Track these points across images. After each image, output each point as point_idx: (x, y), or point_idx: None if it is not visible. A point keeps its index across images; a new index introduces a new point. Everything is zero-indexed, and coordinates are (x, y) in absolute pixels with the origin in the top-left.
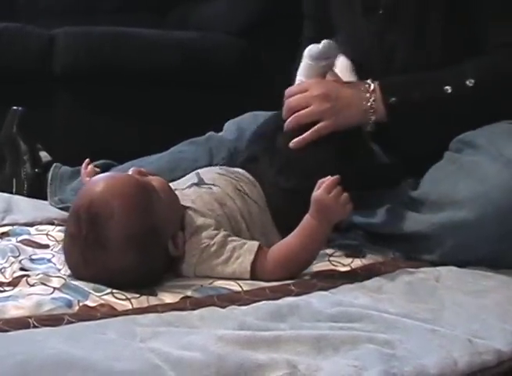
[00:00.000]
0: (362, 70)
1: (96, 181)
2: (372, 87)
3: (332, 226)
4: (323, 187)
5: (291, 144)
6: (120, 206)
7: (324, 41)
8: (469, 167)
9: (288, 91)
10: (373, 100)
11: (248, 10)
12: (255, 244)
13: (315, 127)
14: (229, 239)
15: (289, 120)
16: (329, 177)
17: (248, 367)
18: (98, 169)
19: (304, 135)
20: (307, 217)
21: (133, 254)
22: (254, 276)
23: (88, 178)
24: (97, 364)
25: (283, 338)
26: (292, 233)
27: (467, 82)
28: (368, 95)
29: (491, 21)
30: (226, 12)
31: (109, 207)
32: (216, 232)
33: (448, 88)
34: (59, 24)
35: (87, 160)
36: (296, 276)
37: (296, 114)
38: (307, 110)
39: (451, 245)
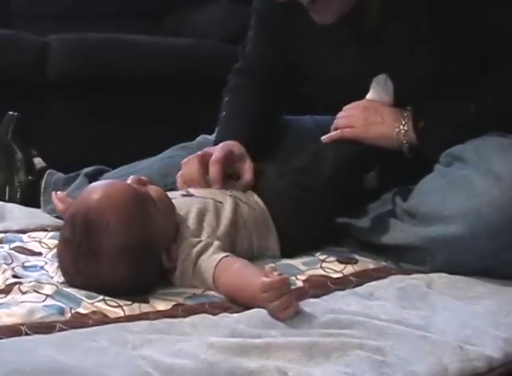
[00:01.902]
0: (344, 96)
1: (95, 188)
2: (407, 113)
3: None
4: (261, 283)
5: (322, 138)
6: (115, 216)
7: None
8: (458, 181)
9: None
10: (405, 124)
11: (242, 17)
12: (217, 258)
13: (341, 130)
14: (208, 248)
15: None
16: (274, 273)
17: (239, 374)
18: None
19: (330, 133)
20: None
21: (125, 266)
22: (216, 290)
23: (62, 206)
24: (88, 372)
25: (274, 345)
26: (243, 278)
27: (487, 99)
28: (402, 119)
29: (501, 35)
30: (221, 20)
31: (104, 216)
32: (197, 240)
33: (471, 108)
34: (53, 30)
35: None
36: None
37: (336, 119)
38: (344, 117)
39: (442, 259)
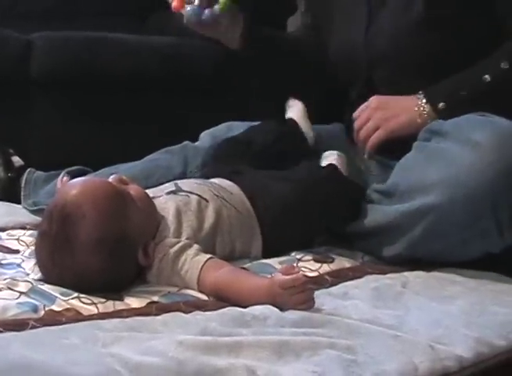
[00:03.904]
0: (349, 60)
1: (74, 183)
2: (420, 96)
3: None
4: (281, 280)
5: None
6: (92, 209)
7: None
8: (437, 153)
9: (355, 114)
10: (424, 108)
11: None
12: (202, 259)
13: (372, 137)
14: (188, 249)
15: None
16: (294, 268)
17: (207, 373)
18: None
19: (368, 145)
20: (263, 281)
21: (100, 259)
22: (199, 289)
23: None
24: (57, 369)
25: (244, 343)
26: (243, 275)
27: (502, 65)
28: (419, 102)
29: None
30: None
31: (81, 209)
32: (176, 240)
33: (487, 77)
34: (38, 28)
35: (63, 173)
36: None
37: (360, 132)
38: (365, 126)
39: (420, 232)
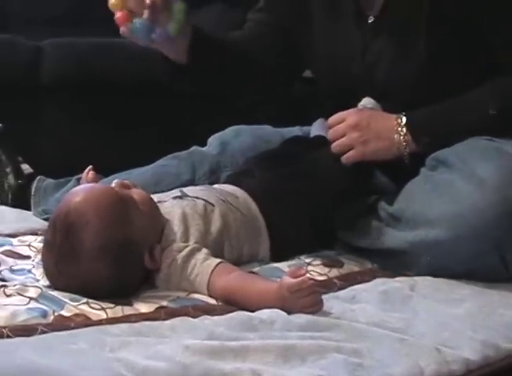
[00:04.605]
0: (341, 84)
1: (76, 191)
2: (403, 122)
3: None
4: (288, 283)
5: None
6: (95, 217)
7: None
8: (442, 186)
9: (329, 122)
10: (405, 135)
11: (234, 21)
12: (212, 264)
13: (345, 156)
14: (196, 253)
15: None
16: (301, 270)
17: None
18: (100, 175)
19: (342, 160)
20: (272, 285)
21: (105, 265)
22: (209, 294)
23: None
24: (64, 374)
25: (250, 347)
26: (252, 280)
27: (490, 111)
28: (399, 129)
29: (505, 41)
30: (212, 23)
31: (84, 217)
32: (184, 245)
33: (473, 118)
34: (47, 35)
35: (90, 166)
36: None
37: (333, 145)
38: (339, 140)
39: (426, 263)
